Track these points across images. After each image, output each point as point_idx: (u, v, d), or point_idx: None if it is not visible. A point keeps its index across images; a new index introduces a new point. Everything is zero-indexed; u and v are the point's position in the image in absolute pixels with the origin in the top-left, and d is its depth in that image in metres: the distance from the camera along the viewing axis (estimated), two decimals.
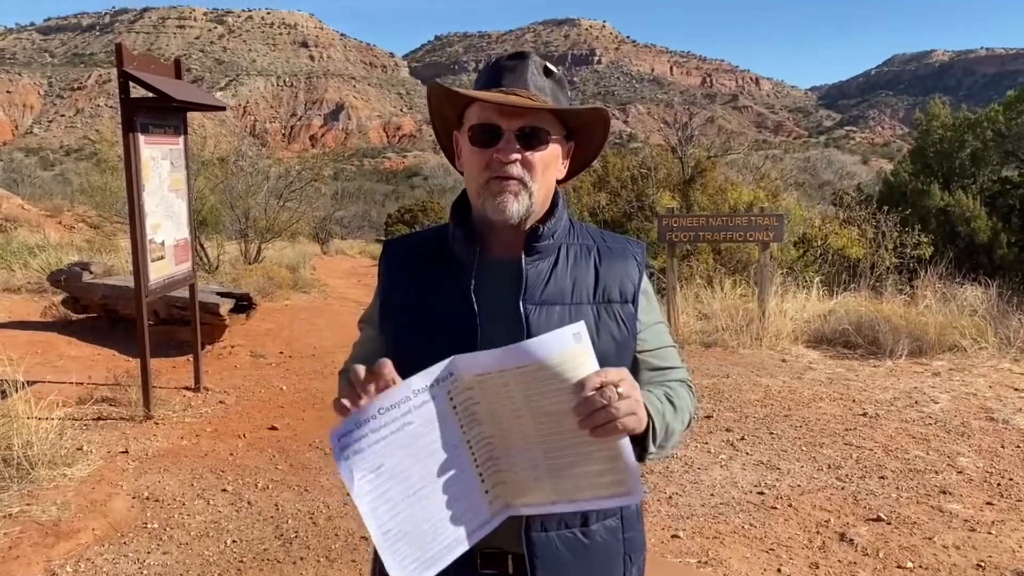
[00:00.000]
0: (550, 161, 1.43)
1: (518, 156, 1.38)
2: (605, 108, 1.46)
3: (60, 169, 54.80)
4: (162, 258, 5.84)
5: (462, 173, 1.49)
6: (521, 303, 1.39)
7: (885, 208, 13.22)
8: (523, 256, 1.43)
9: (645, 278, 1.52)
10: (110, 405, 5.83)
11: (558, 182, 1.50)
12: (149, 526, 4.00)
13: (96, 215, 17.56)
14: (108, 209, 15.13)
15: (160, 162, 5.81)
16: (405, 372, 1.25)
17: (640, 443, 1.34)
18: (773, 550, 3.82)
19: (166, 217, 5.90)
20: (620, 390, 1.20)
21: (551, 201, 1.48)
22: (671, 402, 1.44)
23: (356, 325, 1.65)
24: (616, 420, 1.18)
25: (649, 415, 1.32)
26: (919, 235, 12.51)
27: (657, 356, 1.52)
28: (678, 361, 1.58)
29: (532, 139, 1.39)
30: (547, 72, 1.43)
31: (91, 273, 8.57)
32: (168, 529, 3.98)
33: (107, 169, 15.10)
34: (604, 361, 1.38)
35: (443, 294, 1.44)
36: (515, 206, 1.38)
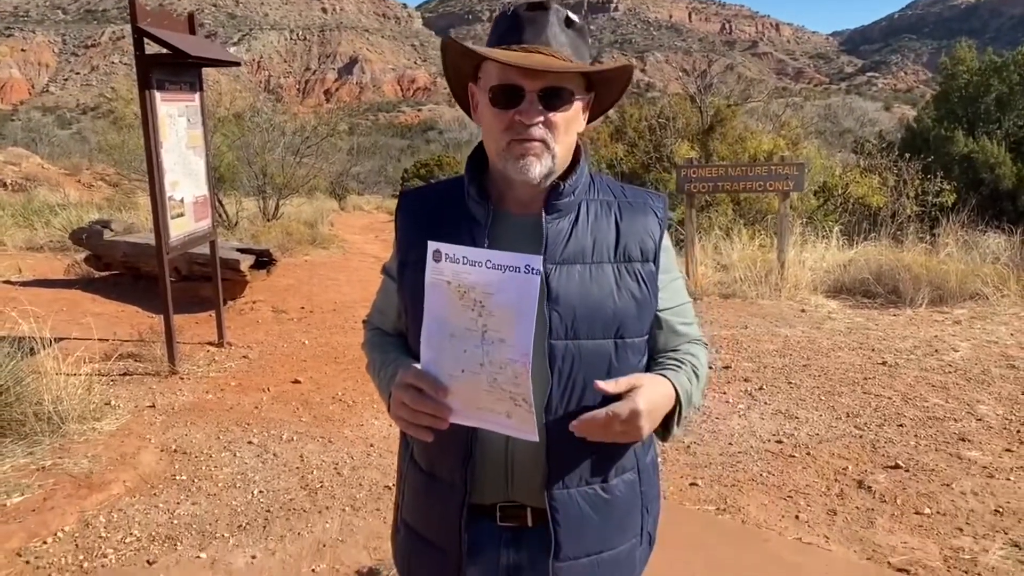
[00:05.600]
0: (572, 119, 1.38)
1: (541, 118, 1.33)
2: (631, 64, 1.41)
3: (77, 128, 55.00)
4: (182, 215, 5.87)
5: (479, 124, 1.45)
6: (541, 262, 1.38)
7: (907, 155, 13.03)
8: (543, 214, 1.40)
9: (665, 234, 1.50)
10: (135, 361, 5.93)
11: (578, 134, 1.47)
12: (178, 478, 4.10)
13: (115, 173, 17.62)
14: (126, 167, 15.19)
15: (177, 119, 5.81)
16: (418, 330, 1.29)
17: (665, 425, 1.41)
18: (791, 497, 3.86)
19: (184, 174, 5.92)
20: (641, 424, 1.30)
21: (572, 156, 1.44)
22: (696, 374, 1.47)
23: (376, 278, 1.66)
24: (631, 436, 1.32)
25: (678, 399, 1.39)
26: (942, 182, 12.34)
27: (677, 313, 1.52)
28: (693, 316, 1.58)
29: (555, 99, 1.33)
30: (568, 23, 1.36)
31: (112, 231, 8.65)
32: (196, 480, 4.07)
33: (124, 127, 15.14)
34: (623, 319, 1.40)
35: None
36: (538, 168, 1.35)
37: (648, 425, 1.31)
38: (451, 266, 1.22)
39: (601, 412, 1.28)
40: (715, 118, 14.16)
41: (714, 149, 13.45)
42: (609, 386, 1.29)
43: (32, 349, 4.92)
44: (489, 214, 1.41)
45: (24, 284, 8.28)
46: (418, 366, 1.30)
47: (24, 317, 5.20)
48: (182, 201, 5.88)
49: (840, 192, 12.80)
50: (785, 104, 19.92)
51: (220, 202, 12.86)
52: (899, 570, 3.21)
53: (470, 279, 1.21)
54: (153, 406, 5.10)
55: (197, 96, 6.16)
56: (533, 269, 1.18)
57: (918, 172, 12.40)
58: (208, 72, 6.52)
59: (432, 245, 1.23)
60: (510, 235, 1.41)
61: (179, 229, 5.82)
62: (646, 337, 1.46)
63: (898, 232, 11.25)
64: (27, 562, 3.29)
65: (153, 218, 5.61)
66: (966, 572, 3.18)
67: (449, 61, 1.45)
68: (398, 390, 1.32)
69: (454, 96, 1.52)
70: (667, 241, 1.51)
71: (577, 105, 1.39)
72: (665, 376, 1.40)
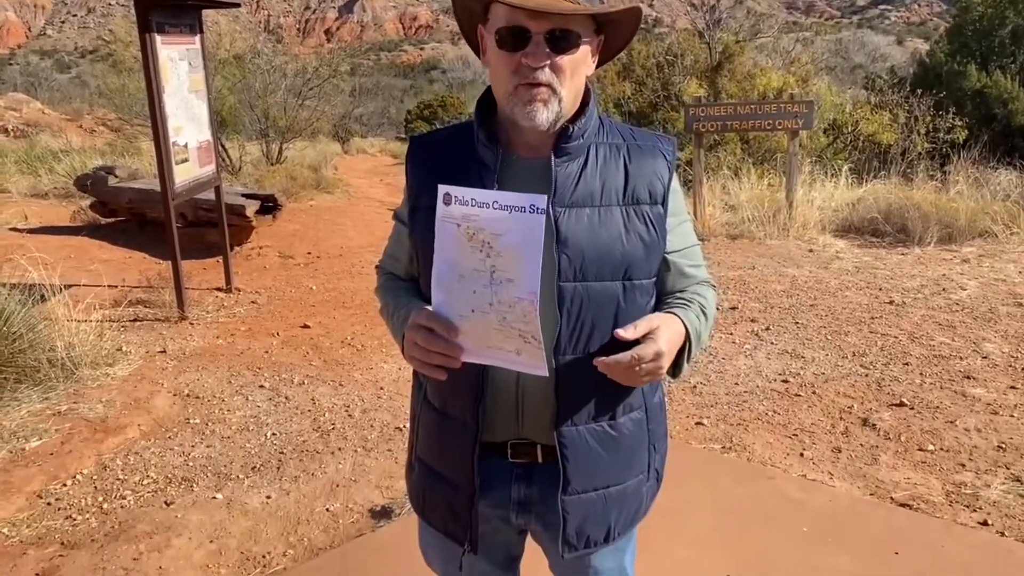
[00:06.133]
0: (580, 62, 1.36)
1: (548, 61, 1.31)
2: (639, 7, 1.38)
3: (76, 71, 54.50)
4: (186, 160, 5.84)
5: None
6: (550, 205, 1.35)
7: (919, 91, 12.81)
8: (552, 157, 1.39)
9: (674, 176, 1.50)
10: (145, 307, 5.97)
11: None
12: (191, 421, 4.16)
13: (116, 118, 17.47)
14: (128, 111, 15.05)
15: (178, 63, 5.74)
16: (429, 274, 1.30)
17: (675, 362, 1.41)
18: (796, 435, 3.91)
19: (187, 119, 5.87)
20: (663, 364, 1.32)
21: (582, 99, 1.42)
22: (704, 313, 1.48)
23: (381, 223, 1.66)
24: (655, 376, 1.34)
25: (688, 336, 1.40)
26: (953, 118, 12.16)
27: (685, 256, 1.52)
28: (701, 258, 1.59)
29: (562, 42, 1.31)
30: None
31: (116, 177, 8.62)
32: (210, 424, 4.14)
33: (124, 70, 14.95)
34: (632, 262, 1.40)
35: None
36: (544, 113, 1.34)
37: (667, 364, 1.34)
38: (460, 208, 1.23)
39: (625, 356, 1.29)
40: (724, 55, 13.91)
41: (723, 87, 13.25)
42: (628, 332, 1.31)
43: (43, 296, 4.96)
44: (498, 158, 1.40)
45: (31, 231, 8.30)
46: (429, 308, 1.32)
47: (33, 264, 5.23)
48: (186, 146, 5.85)
49: (850, 130, 12.64)
50: (795, 39, 19.53)
51: (223, 146, 12.77)
52: (901, 505, 3.27)
53: (478, 221, 1.22)
54: (164, 351, 5.16)
55: (198, 39, 6.08)
56: (538, 208, 1.18)
57: (930, 108, 12.21)
58: (207, 13, 6.41)
59: (442, 188, 1.24)
60: (520, 179, 1.40)
61: (184, 175, 5.80)
62: (654, 279, 1.47)
63: (908, 170, 11.13)
64: (48, 504, 3.37)
65: (157, 164, 5.58)
66: (967, 507, 3.24)
67: (459, 1, 1.43)
68: (411, 331, 1.34)
69: (465, 38, 1.50)
70: (676, 183, 1.50)
71: (585, 48, 1.36)
72: (674, 314, 1.42)
